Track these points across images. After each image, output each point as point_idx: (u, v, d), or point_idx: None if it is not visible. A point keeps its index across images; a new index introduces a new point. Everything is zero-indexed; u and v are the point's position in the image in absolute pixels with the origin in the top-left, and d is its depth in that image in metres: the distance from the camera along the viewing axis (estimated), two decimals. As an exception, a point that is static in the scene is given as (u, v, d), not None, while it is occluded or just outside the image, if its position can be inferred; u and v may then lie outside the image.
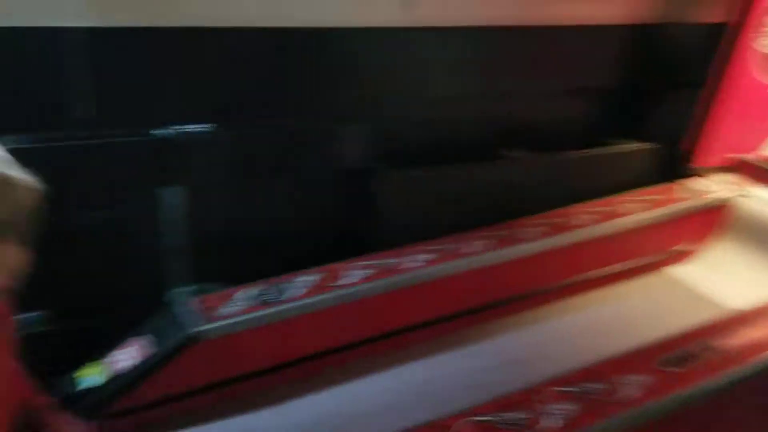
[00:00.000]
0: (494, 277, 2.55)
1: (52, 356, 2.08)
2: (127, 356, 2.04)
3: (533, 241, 2.60)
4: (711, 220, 3.07)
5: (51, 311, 2.16)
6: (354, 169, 2.52)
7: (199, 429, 2.03)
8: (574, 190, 2.95)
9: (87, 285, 2.19)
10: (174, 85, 2.18)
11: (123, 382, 1.96)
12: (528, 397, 1.85)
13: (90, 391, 1.97)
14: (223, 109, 2.27)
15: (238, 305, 2.14)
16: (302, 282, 2.26)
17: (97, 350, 2.09)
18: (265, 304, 2.14)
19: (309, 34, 2.31)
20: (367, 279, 2.30)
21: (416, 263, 2.41)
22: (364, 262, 2.38)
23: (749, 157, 3.15)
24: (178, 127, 2.19)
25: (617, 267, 2.90)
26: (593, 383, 1.89)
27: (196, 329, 2.02)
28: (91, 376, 2.02)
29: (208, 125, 2.22)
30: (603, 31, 2.94)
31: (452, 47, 2.62)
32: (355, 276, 2.31)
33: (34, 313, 2.13)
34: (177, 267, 2.30)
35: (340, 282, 2.27)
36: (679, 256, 3.08)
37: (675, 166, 3.15)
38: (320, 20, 2.32)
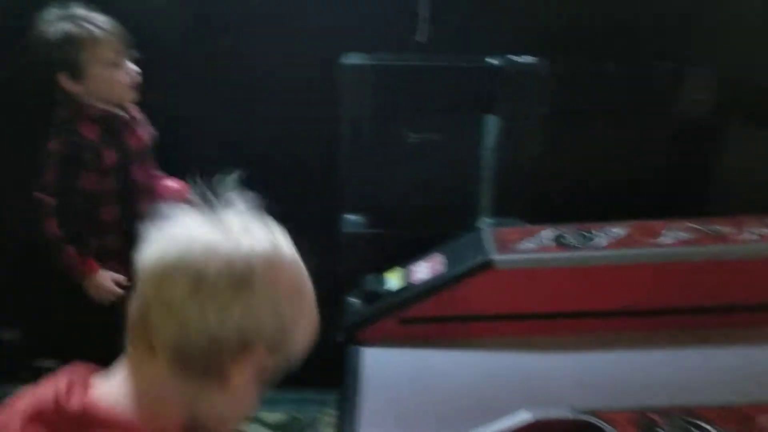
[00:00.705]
0: None
1: (366, 256, 2.31)
2: (425, 269, 2.16)
3: None
4: None
5: (371, 216, 2.37)
6: (694, 121, 2.24)
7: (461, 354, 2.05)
8: None
9: (403, 198, 2.35)
10: (510, 13, 2.18)
11: (415, 292, 2.07)
12: None
13: (389, 292, 2.13)
14: (557, 42, 2.20)
15: (537, 243, 2.09)
16: (611, 233, 2.11)
17: (403, 257, 2.25)
18: (564, 246, 2.06)
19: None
20: (685, 242, 2.05)
21: (751, 236, 2.07)
22: (687, 224, 2.12)
23: None
24: (509, 56, 2.20)
25: None
26: None
27: (491, 257, 2.04)
28: (393, 279, 2.18)
29: (538, 58, 2.17)
30: None
31: None
32: (671, 237, 2.08)
33: (356, 216, 2.37)
34: (485, 196, 2.33)
35: (653, 240, 2.07)
36: None
37: None
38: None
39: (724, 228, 2.08)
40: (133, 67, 2.02)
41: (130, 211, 2.08)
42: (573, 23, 2.20)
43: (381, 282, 2.16)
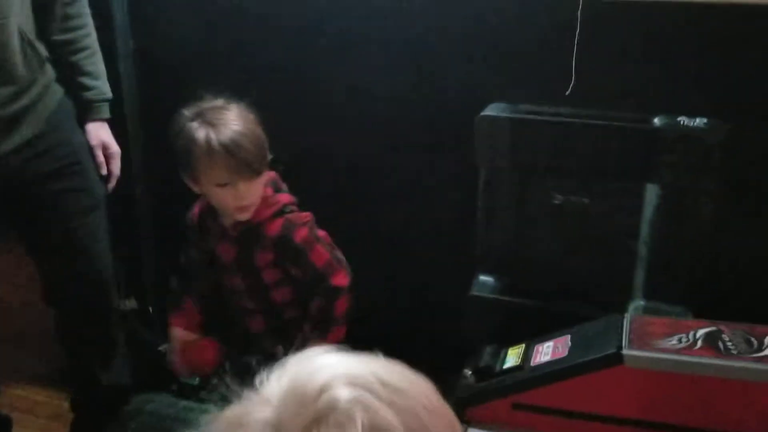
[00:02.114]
0: None
1: (495, 324, 2.13)
2: (549, 350, 1.92)
3: None
4: None
5: (505, 281, 2.18)
6: None
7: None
8: None
9: (543, 265, 2.12)
10: (680, 69, 1.86)
11: (530, 375, 1.85)
12: None
13: (503, 370, 1.93)
14: (738, 103, 1.83)
15: (685, 340, 1.75)
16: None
17: (536, 331, 2.03)
18: (716, 350, 1.69)
19: None
20: None
21: None
22: None
23: None
24: (678, 117, 1.87)
25: None
26: None
27: (622, 350, 1.74)
28: (514, 355, 1.97)
29: (712, 120, 1.82)
30: None
31: None
32: None
33: (490, 279, 2.18)
34: (639, 275, 2.01)
35: None
36: None
37: None
38: None
39: None
40: (249, 189, 1.85)
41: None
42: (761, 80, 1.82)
43: (499, 356, 1.97)
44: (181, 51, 2.44)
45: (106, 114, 2.15)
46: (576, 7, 1.88)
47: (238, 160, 1.79)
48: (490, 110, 2.02)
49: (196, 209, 2.07)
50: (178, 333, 2.10)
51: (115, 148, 2.16)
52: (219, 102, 1.87)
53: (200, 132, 1.80)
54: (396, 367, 0.67)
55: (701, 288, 1.95)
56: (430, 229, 2.29)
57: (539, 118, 1.98)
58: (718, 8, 1.82)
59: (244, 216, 1.91)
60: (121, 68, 2.40)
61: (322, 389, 0.60)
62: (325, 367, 0.64)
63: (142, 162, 2.57)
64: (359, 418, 0.58)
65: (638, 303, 2.04)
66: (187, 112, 1.85)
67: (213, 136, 1.79)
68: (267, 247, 1.95)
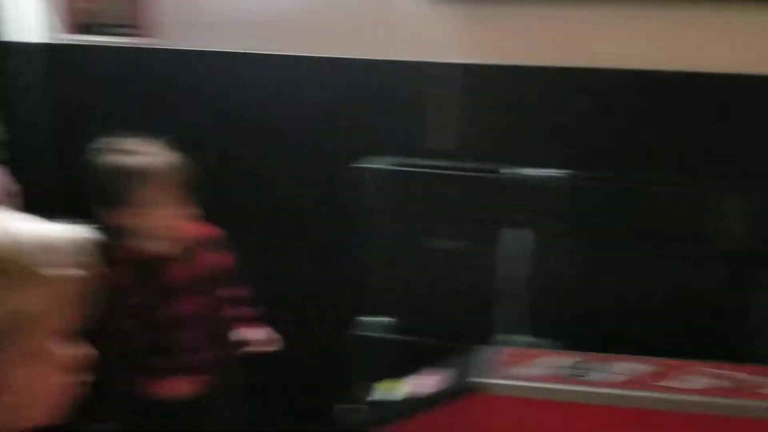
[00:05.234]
0: None
1: (379, 362, 2.27)
2: (422, 382, 2.06)
3: None
4: None
5: (389, 322, 2.33)
6: (737, 251, 1.95)
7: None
8: None
9: (422, 306, 2.29)
10: (533, 125, 2.09)
11: (399, 408, 1.98)
12: None
13: (380, 403, 2.05)
14: (584, 156, 2.06)
15: (538, 369, 1.92)
16: (624, 368, 1.88)
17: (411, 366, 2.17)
18: (563, 377, 1.87)
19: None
20: (709, 391, 1.78)
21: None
22: (716, 370, 1.84)
23: None
24: (530, 169, 2.10)
25: None
26: None
27: (478, 379, 1.90)
28: (388, 390, 2.10)
29: (564, 171, 2.05)
30: None
31: None
32: (695, 382, 1.81)
33: (373, 320, 2.33)
34: (500, 311, 2.19)
35: (672, 383, 1.81)
36: None
37: None
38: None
39: (752, 377, 1.78)
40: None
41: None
42: (607, 135, 2.06)
43: (378, 390, 2.10)
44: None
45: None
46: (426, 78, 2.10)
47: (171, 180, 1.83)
48: (368, 162, 2.21)
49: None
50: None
51: (13, 188, 2.22)
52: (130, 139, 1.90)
53: (127, 159, 1.82)
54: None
55: (569, 322, 2.15)
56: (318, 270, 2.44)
57: (411, 169, 2.17)
58: (549, 71, 2.06)
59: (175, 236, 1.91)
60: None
61: None
62: None
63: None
64: None
65: (505, 337, 2.21)
66: (105, 147, 1.86)
67: (141, 159, 1.83)
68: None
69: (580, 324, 2.14)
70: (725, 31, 1.93)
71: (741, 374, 1.80)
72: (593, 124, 2.09)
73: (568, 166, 2.08)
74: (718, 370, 1.82)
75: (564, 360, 1.95)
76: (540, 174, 2.08)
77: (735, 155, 1.97)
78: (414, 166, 2.19)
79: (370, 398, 2.07)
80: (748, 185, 1.93)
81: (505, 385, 1.87)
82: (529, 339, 2.13)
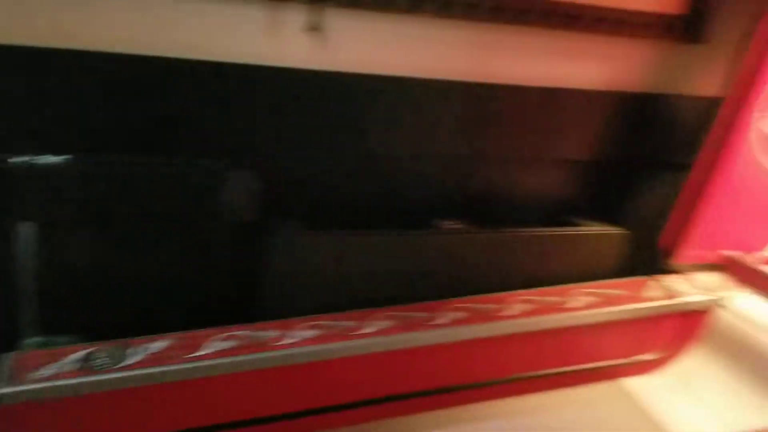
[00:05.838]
0: (390, 367, 2.19)
1: None
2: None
3: (445, 327, 2.22)
4: (685, 329, 2.60)
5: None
6: (243, 222, 2.22)
7: None
8: (523, 274, 2.55)
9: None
10: (39, 110, 1.98)
11: None
12: None
13: None
14: (90, 138, 2.05)
15: (61, 367, 1.87)
16: (151, 348, 1.97)
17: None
18: (90, 370, 1.86)
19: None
20: (225, 353, 1.99)
21: (293, 340, 2.08)
22: (229, 333, 2.07)
23: (742, 256, 2.66)
24: (34, 156, 1.99)
25: (555, 371, 2.47)
26: None
27: (-2, 390, 1.76)
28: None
29: (66, 156, 2.00)
30: (581, 97, 2.57)
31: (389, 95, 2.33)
32: (213, 347, 2.00)
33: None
34: (26, 313, 2.05)
35: (194, 353, 1.97)
36: (640, 367, 2.61)
37: (652, 258, 2.70)
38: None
39: (268, 333, 2.07)
40: None
41: None
42: (116, 116, 2.06)
43: None
44: None
45: None
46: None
47: None
48: None
49: None
50: None
51: None
52: None
53: None
54: None
55: (90, 314, 2.11)
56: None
57: None
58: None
59: None
60: None
61: None
62: None
63: None
64: None
65: (32, 339, 2.07)
66: None
67: None
68: None
69: (104, 312, 2.13)
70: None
71: (258, 332, 2.06)
72: (95, 108, 2.07)
73: (72, 151, 2.02)
74: (236, 333, 2.05)
75: (91, 351, 1.93)
76: (45, 161, 1.99)
77: (226, 137, 2.20)
78: None
79: None
80: (243, 164, 2.19)
81: (25, 391, 1.78)
82: (60, 338, 2.04)
